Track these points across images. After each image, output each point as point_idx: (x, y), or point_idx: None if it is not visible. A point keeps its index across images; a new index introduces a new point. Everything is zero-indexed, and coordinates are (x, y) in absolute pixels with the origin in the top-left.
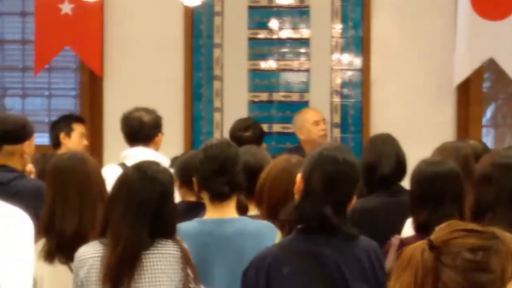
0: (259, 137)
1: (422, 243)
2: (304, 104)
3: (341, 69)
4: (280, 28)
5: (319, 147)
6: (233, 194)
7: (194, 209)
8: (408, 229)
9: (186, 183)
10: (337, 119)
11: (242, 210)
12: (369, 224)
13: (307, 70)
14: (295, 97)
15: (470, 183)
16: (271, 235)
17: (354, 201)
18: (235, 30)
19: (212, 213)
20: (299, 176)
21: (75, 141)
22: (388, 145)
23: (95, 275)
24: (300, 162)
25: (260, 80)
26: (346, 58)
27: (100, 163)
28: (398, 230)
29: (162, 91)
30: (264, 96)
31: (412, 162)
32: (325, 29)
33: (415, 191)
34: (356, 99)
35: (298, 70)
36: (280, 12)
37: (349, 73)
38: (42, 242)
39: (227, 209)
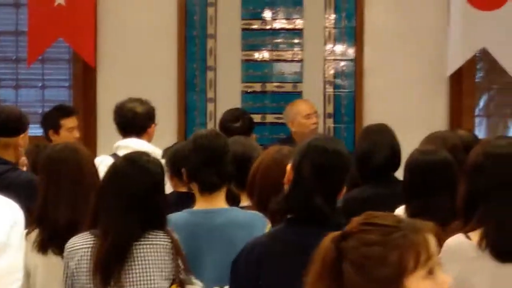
0: (248, 128)
1: (334, 234)
2: (298, 95)
3: (334, 60)
4: (274, 19)
5: (309, 137)
6: (223, 184)
7: (185, 200)
8: None
9: (176, 174)
10: (330, 109)
11: (233, 200)
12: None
13: (300, 61)
14: (288, 87)
15: (460, 173)
16: (261, 225)
17: (344, 191)
18: (229, 20)
19: (201, 204)
20: (289, 166)
21: (63, 137)
22: (382, 135)
23: (86, 266)
24: (291, 152)
25: (253, 71)
26: (339, 48)
27: (93, 154)
28: None
29: (156, 81)
30: (257, 87)
31: (405, 152)
32: (319, 19)
33: (408, 180)
34: (349, 89)
35: (292, 61)
36: (273, 2)
37: (342, 63)
38: (35, 233)
39: (217, 199)
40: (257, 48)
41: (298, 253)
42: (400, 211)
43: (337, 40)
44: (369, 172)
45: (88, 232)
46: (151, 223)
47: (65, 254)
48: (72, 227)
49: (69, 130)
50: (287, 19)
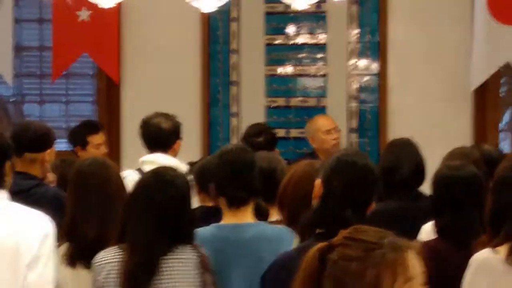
0: (271, 142)
1: (322, 244)
2: (322, 109)
3: (358, 74)
4: (297, 34)
5: (337, 152)
6: (250, 199)
7: (212, 215)
8: (423, 235)
9: (204, 189)
10: (353, 124)
11: (263, 215)
12: (386, 229)
13: (324, 75)
14: (312, 102)
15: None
16: (288, 239)
17: (373, 206)
18: (252, 36)
19: (229, 219)
20: (317, 181)
21: (90, 153)
22: (407, 150)
23: (114, 280)
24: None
25: (277, 86)
26: (363, 63)
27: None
28: (415, 236)
29: (179, 97)
30: (281, 101)
31: (429, 167)
32: (342, 34)
33: (436, 195)
34: (373, 104)
35: (315, 75)
36: (296, 17)
37: (366, 78)
38: (64, 246)
39: (244, 214)
40: (280, 63)
41: None
42: (428, 227)
43: (360, 55)
44: (393, 186)
45: (116, 247)
46: (179, 237)
47: (93, 268)
48: (100, 241)
49: (96, 147)
50: (310, 34)
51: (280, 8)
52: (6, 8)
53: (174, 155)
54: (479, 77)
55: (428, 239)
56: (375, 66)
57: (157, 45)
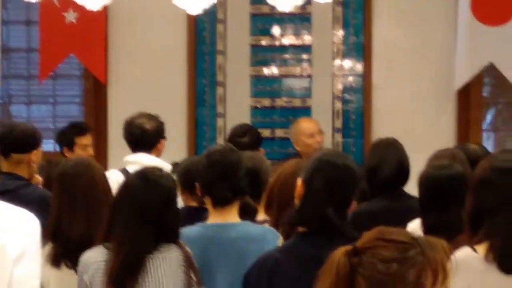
0: (256, 142)
1: (347, 248)
2: (306, 109)
3: (343, 75)
4: (282, 35)
5: (318, 152)
6: (236, 199)
7: (196, 214)
8: None
9: (188, 189)
10: (338, 124)
11: (251, 214)
12: (370, 228)
13: (309, 76)
14: (297, 102)
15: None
16: (273, 239)
17: (354, 205)
18: (238, 37)
19: (214, 218)
20: (299, 181)
21: (77, 155)
22: (391, 149)
23: (100, 280)
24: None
25: (262, 86)
26: (348, 64)
27: (105, 170)
28: None
29: (166, 97)
30: (266, 102)
31: (413, 166)
32: (327, 35)
33: (422, 195)
34: (358, 104)
35: (300, 76)
36: (282, 19)
37: (351, 78)
38: (49, 246)
39: (230, 213)
40: (266, 63)
41: (310, 265)
42: (414, 225)
43: (345, 55)
44: (377, 186)
45: (101, 246)
46: (164, 236)
47: (79, 267)
48: (85, 241)
49: (83, 148)
50: (295, 35)
51: (265, 9)
52: None
53: (158, 154)
54: (462, 77)
55: None
56: (359, 67)
57: (144, 46)
